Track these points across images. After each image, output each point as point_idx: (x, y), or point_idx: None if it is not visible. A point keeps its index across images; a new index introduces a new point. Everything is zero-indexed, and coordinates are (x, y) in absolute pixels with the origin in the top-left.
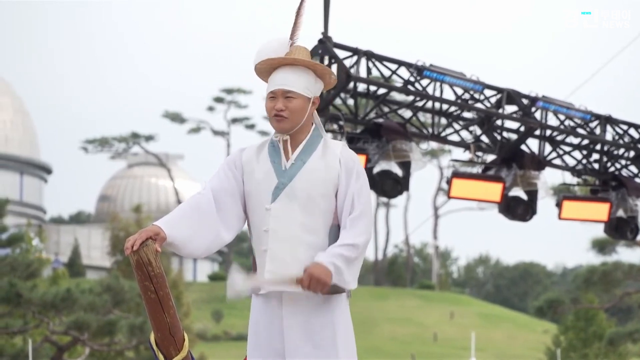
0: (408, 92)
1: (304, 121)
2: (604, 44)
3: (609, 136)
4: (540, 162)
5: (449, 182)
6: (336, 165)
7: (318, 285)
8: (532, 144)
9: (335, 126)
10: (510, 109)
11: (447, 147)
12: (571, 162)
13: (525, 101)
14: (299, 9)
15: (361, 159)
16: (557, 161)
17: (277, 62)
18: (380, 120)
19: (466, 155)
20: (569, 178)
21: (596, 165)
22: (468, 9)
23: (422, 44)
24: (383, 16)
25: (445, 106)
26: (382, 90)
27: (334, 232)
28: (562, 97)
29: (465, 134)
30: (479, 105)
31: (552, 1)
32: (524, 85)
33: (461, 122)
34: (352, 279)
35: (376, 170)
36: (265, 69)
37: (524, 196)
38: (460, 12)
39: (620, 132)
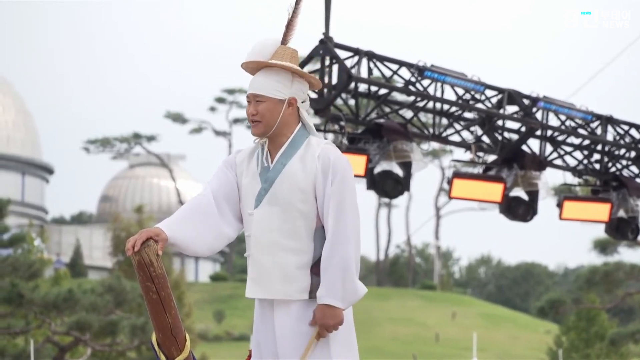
0: (409, 93)
1: (279, 123)
2: (605, 44)
3: (610, 136)
4: (541, 163)
5: (449, 183)
6: (314, 165)
7: (335, 327)
8: (533, 145)
9: (336, 126)
10: (511, 109)
11: (448, 147)
12: (572, 162)
13: (526, 101)
14: (295, 9)
15: (362, 160)
16: (558, 161)
17: (254, 66)
18: (381, 120)
19: (467, 155)
20: (569, 178)
21: (597, 166)
22: (468, 9)
23: (422, 44)
24: (384, 16)
25: (446, 106)
26: (383, 91)
27: (319, 235)
28: (563, 97)
29: (466, 135)
30: (480, 105)
31: (552, 1)
32: (524, 85)
33: (462, 123)
34: (358, 287)
35: (377, 170)
36: (251, 73)
37: (525, 196)
38: (460, 12)
39: (622, 132)
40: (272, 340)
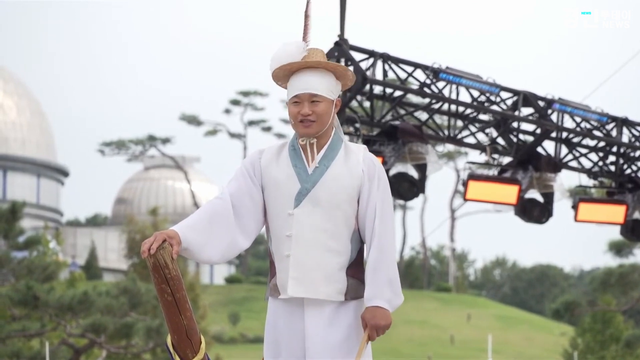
0: (424, 95)
1: (330, 124)
2: (612, 45)
3: (625, 138)
4: (556, 165)
5: (465, 185)
6: (359, 171)
7: (385, 329)
8: (549, 146)
9: (351, 128)
10: (526, 111)
11: (463, 149)
12: (587, 164)
13: (541, 103)
14: (306, 11)
15: None
16: (574, 163)
17: (298, 66)
18: (397, 122)
19: (482, 157)
20: (585, 180)
21: (612, 168)
22: (482, 10)
23: (437, 46)
24: (399, 18)
25: (461, 108)
26: (398, 93)
27: (356, 238)
28: (577, 99)
29: (481, 136)
30: (495, 107)
31: (553, 1)
32: (538, 87)
33: (477, 125)
34: (401, 291)
35: (392, 172)
36: (284, 74)
37: (540, 198)
38: (475, 14)
39: (637, 134)
40: (299, 341)
